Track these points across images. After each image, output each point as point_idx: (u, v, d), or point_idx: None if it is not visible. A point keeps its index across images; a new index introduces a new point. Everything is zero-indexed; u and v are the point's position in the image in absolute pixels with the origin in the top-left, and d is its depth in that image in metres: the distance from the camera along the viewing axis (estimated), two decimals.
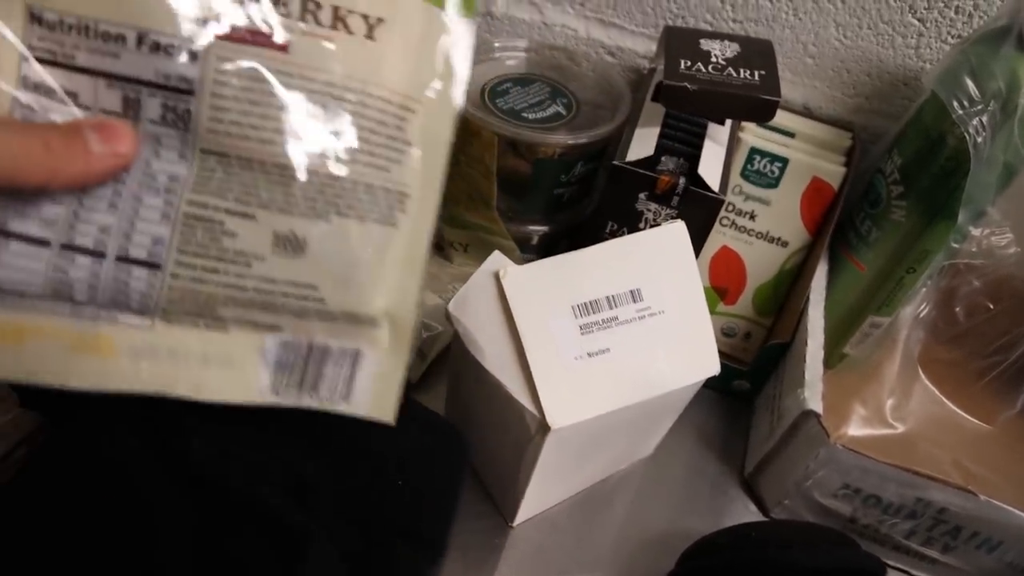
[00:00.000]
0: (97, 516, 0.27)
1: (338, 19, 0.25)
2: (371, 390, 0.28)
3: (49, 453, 0.28)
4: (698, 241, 0.44)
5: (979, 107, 0.37)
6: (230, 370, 0.27)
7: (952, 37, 0.46)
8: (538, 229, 0.51)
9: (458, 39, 0.27)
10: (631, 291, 0.35)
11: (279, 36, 0.25)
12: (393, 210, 0.27)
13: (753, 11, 0.49)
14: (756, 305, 0.51)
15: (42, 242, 0.24)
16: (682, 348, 0.36)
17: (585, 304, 0.34)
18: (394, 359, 0.28)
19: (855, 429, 0.39)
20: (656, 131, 0.43)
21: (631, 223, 0.43)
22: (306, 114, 0.25)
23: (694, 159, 0.42)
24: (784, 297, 0.51)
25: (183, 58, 0.24)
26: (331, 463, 0.33)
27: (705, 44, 0.43)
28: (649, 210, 0.43)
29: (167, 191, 0.25)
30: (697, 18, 0.51)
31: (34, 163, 0.22)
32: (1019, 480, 0.38)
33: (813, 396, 0.39)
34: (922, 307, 0.41)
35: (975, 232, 0.39)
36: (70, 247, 0.25)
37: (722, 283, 0.51)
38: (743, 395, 0.52)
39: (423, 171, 0.28)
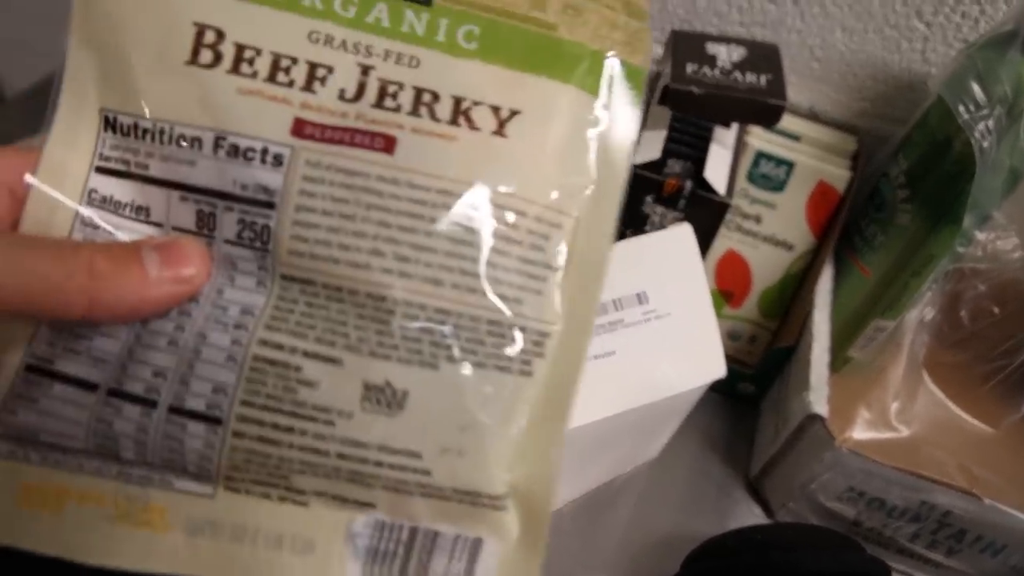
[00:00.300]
0: None
1: (460, 113, 0.21)
2: None
3: None
4: (704, 244, 0.45)
5: (985, 111, 0.37)
6: (309, 557, 0.21)
7: (958, 42, 0.46)
8: None
9: (620, 134, 0.22)
10: (637, 294, 0.35)
11: (383, 134, 0.20)
12: (528, 354, 0.21)
13: (760, 15, 0.49)
14: (762, 308, 0.51)
15: (89, 385, 0.20)
16: (688, 351, 0.36)
17: None
18: (525, 553, 0.22)
19: (860, 432, 0.39)
20: (663, 134, 0.43)
21: (637, 226, 0.44)
22: (413, 230, 0.20)
23: (700, 162, 0.42)
24: (790, 301, 0.51)
25: (264, 163, 0.20)
26: None
27: (711, 48, 0.44)
28: (656, 213, 0.43)
29: (237, 327, 0.20)
30: (704, 22, 0.51)
31: (73, 290, 0.18)
32: (1023, 484, 0.38)
33: (818, 400, 0.39)
34: (927, 311, 0.41)
35: (980, 236, 0.39)
36: (117, 393, 0.20)
37: (728, 286, 0.51)
38: (748, 398, 0.52)
39: (571, 302, 0.21)
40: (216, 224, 0.20)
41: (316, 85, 0.20)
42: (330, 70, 0.20)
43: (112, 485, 0.21)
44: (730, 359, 0.52)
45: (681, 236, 0.37)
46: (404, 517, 0.21)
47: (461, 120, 0.21)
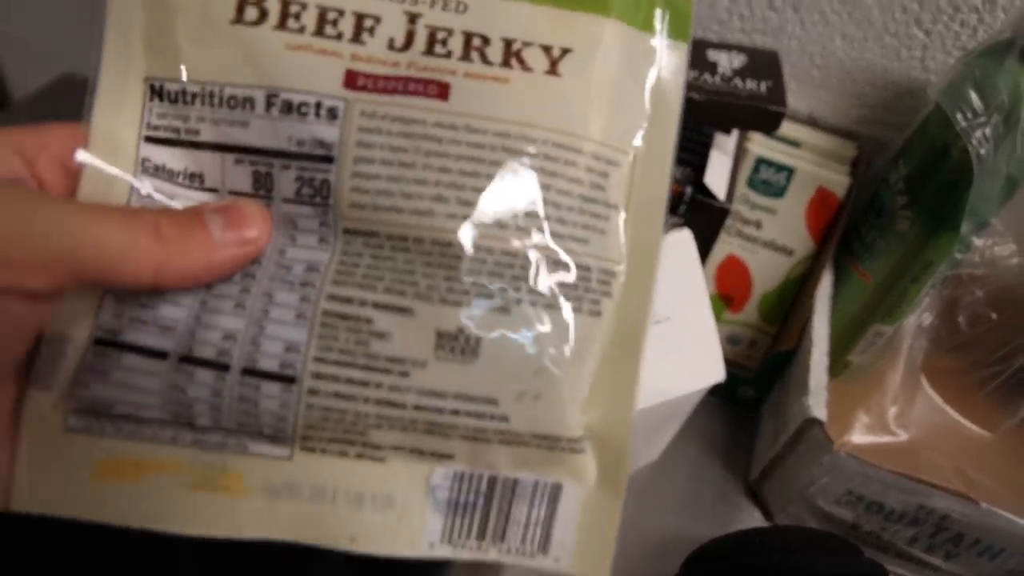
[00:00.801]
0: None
1: (511, 54, 0.20)
2: (575, 539, 0.21)
3: None
4: (704, 249, 0.45)
5: (982, 119, 0.38)
6: (390, 512, 0.21)
7: (957, 50, 0.46)
8: None
9: (671, 68, 0.22)
10: None
11: (436, 81, 0.20)
12: (596, 293, 0.21)
13: (760, 22, 0.50)
14: (762, 313, 0.52)
15: (159, 354, 0.20)
16: (687, 355, 0.37)
17: None
18: (605, 496, 0.22)
19: (858, 437, 0.39)
20: None
21: None
22: (475, 174, 0.20)
23: (701, 168, 0.42)
24: (790, 305, 0.51)
25: (319, 117, 0.20)
26: None
27: (712, 54, 0.44)
28: None
29: (303, 284, 0.20)
30: (705, 29, 0.52)
31: (142, 257, 0.18)
32: (1021, 488, 0.38)
33: (817, 404, 0.40)
34: (925, 316, 0.41)
35: (978, 243, 0.40)
36: (188, 359, 0.20)
37: (728, 291, 0.52)
38: (748, 402, 0.52)
39: (634, 240, 0.21)
40: (273, 184, 0.20)
41: (365, 36, 0.20)
42: (377, 20, 0.20)
43: (188, 453, 0.20)
44: (730, 363, 0.52)
45: (681, 241, 0.37)
46: (483, 466, 0.21)
47: (513, 62, 0.20)
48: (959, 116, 0.38)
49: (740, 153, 0.46)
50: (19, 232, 0.17)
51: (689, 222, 0.43)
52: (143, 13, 0.20)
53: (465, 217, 0.20)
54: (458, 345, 0.20)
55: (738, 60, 0.44)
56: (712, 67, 0.43)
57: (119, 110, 0.20)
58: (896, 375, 0.41)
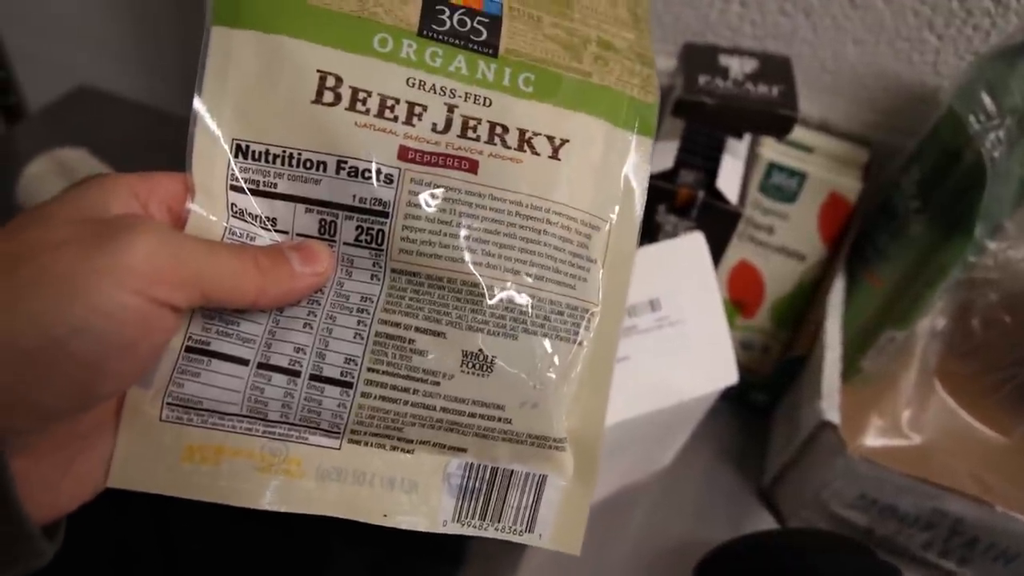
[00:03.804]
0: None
1: (524, 141, 0.26)
2: (555, 520, 0.27)
3: None
4: (717, 254, 0.45)
5: (996, 122, 0.38)
6: (414, 495, 0.26)
7: (970, 54, 0.46)
8: None
9: (639, 158, 0.27)
10: (650, 300, 0.36)
11: (468, 158, 0.25)
12: (579, 327, 0.27)
13: (772, 28, 0.50)
14: (774, 318, 0.52)
15: (241, 361, 0.25)
16: (700, 357, 0.37)
17: None
18: (580, 486, 0.27)
19: (872, 440, 0.39)
20: (675, 145, 0.44)
21: (650, 236, 0.44)
22: (496, 232, 0.25)
23: (713, 173, 0.42)
24: (802, 311, 0.51)
25: (380, 182, 0.25)
26: None
27: (724, 60, 0.44)
28: (668, 222, 0.43)
29: (359, 311, 0.25)
30: (717, 35, 0.52)
31: (248, 283, 0.23)
32: None
33: (830, 407, 0.40)
34: (939, 320, 0.41)
35: (992, 246, 0.40)
36: (266, 366, 0.25)
37: (740, 296, 0.52)
38: (760, 408, 0.52)
39: (607, 287, 0.27)
40: (337, 230, 0.25)
41: (415, 119, 0.25)
42: (424, 108, 0.25)
43: (259, 442, 0.25)
44: (742, 369, 0.52)
45: (693, 244, 0.37)
46: (488, 459, 0.26)
47: (525, 147, 0.26)
48: (972, 119, 0.38)
49: (752, 158, 0.46)
50: (171, 257, 0.21)
51: (701, 226, 0.43)
52: (234, 93, 0.24)
53: (488, 265, 0.25)
54: (478, 362, 0.26)
55: (750, 65, 0.44)
56: (724, 72, 0.43)
57: (212, 165, 0.24)
58: (909, 379, 0.41)
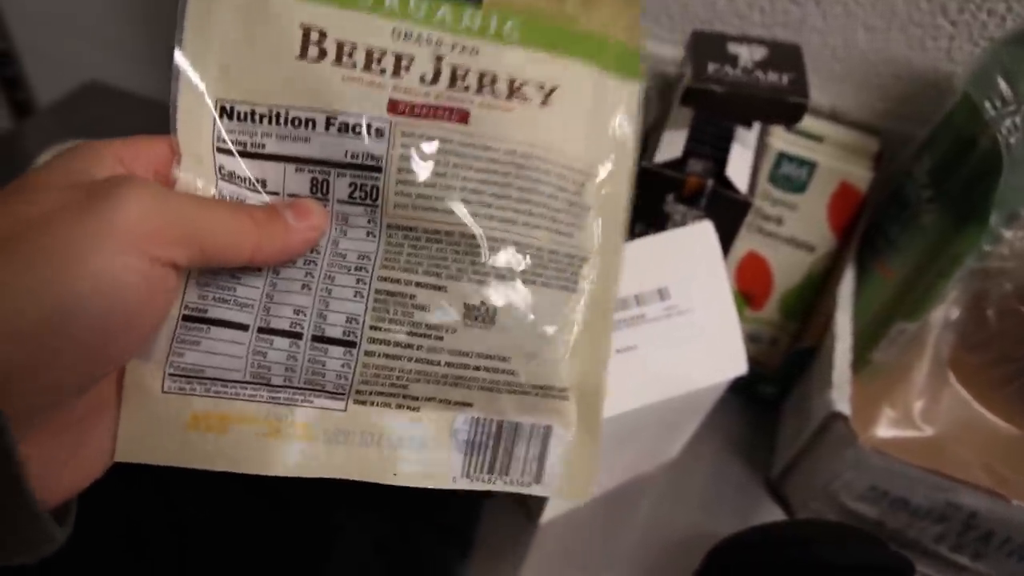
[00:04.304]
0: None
1: (514, 89, 0.26)
2: (562, 471, 0.27)
3: None
4: (726, 244, 0.44)
5: (1012, 108, 0.37)
6: (423, 452, 0.26)
7: (984, 40, 0.46)
8: None
9: (629, 101, 0.27)
10: (658, 289, 0.35)
11: (459, 109, 0.25)
12: (577, 276, 0.27)
13: (781, 15, 0.49)
14: (783, 310, 0.51)
15: (241, 326, 0.24)
16: (709, 347, 0.36)
17: None
18: (585, 435, 0.27)
19: (883, 431, 0.39)
20: (684, 134, 0.43)
21: (659, 225, 0.44)
22: (490, 183, 0.25)
23: (722, 162, 0.42)
24: (811, 303, 0.51)
25: (371, 137, 0.25)
26: None
27: (732, 47, 0.44)
28: (677, 212, 0.43)
29: (358, 268, 0.25)
30: (725, 23, 0.51)
31: (245, 237, 0.23)
32: None
33: (841, 397, 0.39)
34: (952, 310, 0.40)
35: (1007, 234, 0.39)
36: (267, 330, 0.25)
37: (749, 288, 0.51)
38: (769, 400, 0.51)
39: (603, 236, 0.27)
40: (329, 188, 0.25)
41: (402, 72, 0.25)
42: (412, 59, 0.25)
43: (265, 408, 0.25)
44: (751, 361, 0.52)
45: (702, 233, 0.37)
46: (494, 413, 0.26)
47: (515, 95, 0.26)
48: (987, 105, 0.38)
49: (762, 147, 0.46)
50: (167, 213, 0.20)
51: (710, 216, 0.42)
52: (215, 54, 0.24)
53: (485, 216, 0.25)
54: (480, 314, 0.25)
55: (759, 53, 0.43)
56: (733, 60, 0.43)
57: (198, 128, 0.24)
58: (922, 370, 0.40)
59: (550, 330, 0.26)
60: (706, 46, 0.44)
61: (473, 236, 0.25)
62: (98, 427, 0.23)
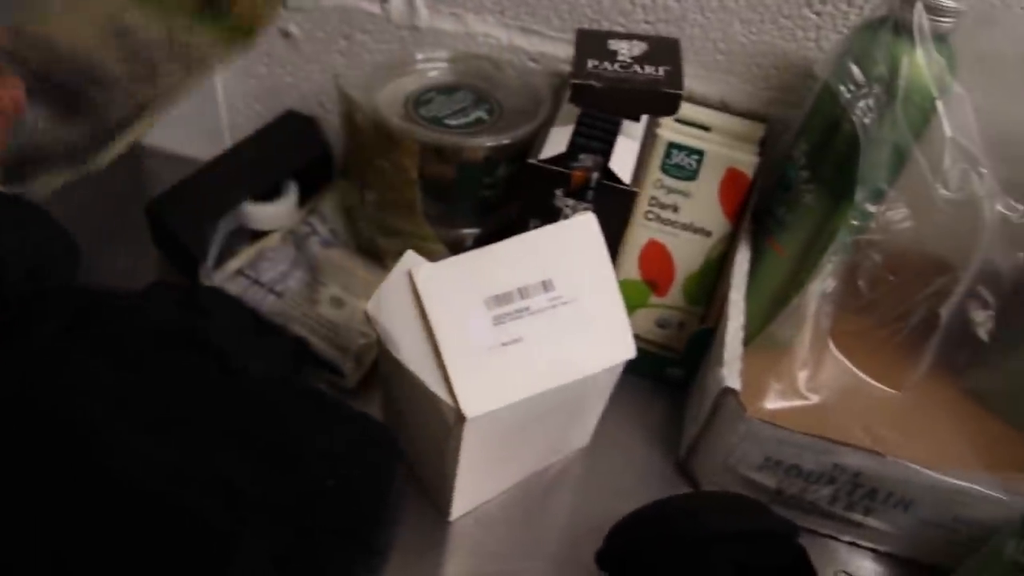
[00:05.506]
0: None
1: None
2: None
3: None
4: (618, 233, 0.46)
5: (864, 91, 0.40)
6: None
7: (847, 29, 0.48)
8: (470, 232, 0.53)
9: None
10: (542, 281, 0.37)
11: None
12: None
13: (663, 12, 0.51)
14: (686, 295, 0.53)
15: None
16: (596, 334, 0.37)
17: (497, 296, 0.35)
18: None
19: (771, 403, 0.40)
20: (570, 130, 0.45)
21: (550, 219, 0.45)
22: None
23: (608, 155, 0.43)
24: (713, 285, 0.53)
25: None
26: (259, 464, 0.34)
27: (613, 44, 0.45)
28: (567, 206, 0.44)
29: None
30: (611, 21, 0.53)
31: None
32: (924, 440, 0.40)
33: (731, 374, 0.41)
34: (829, 283, 0.42)
35: (873, 209, 0.41)
36: None
37: (652, 276, 0.53)
38: (679, 383, 0.53)
39: None
40: None
41: None
42: None
43: None
44: (660, 346, 0.54)
45: (584, 224, 0.38)
46: None
47: None
48: (843, 89, 0.40)
49: (649, 139, 0.48)
50: None
51: (599, 207, 0.44)
52: None
53: None
54: None
55: (639, 48, 0.45)
56: (612, 56, 0.44)
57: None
58: (804, 341, 0.42)
59: None
60: (589, 43, 0.45)
61: None
62: None
